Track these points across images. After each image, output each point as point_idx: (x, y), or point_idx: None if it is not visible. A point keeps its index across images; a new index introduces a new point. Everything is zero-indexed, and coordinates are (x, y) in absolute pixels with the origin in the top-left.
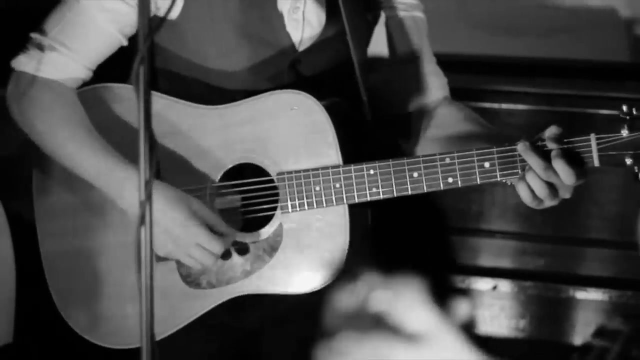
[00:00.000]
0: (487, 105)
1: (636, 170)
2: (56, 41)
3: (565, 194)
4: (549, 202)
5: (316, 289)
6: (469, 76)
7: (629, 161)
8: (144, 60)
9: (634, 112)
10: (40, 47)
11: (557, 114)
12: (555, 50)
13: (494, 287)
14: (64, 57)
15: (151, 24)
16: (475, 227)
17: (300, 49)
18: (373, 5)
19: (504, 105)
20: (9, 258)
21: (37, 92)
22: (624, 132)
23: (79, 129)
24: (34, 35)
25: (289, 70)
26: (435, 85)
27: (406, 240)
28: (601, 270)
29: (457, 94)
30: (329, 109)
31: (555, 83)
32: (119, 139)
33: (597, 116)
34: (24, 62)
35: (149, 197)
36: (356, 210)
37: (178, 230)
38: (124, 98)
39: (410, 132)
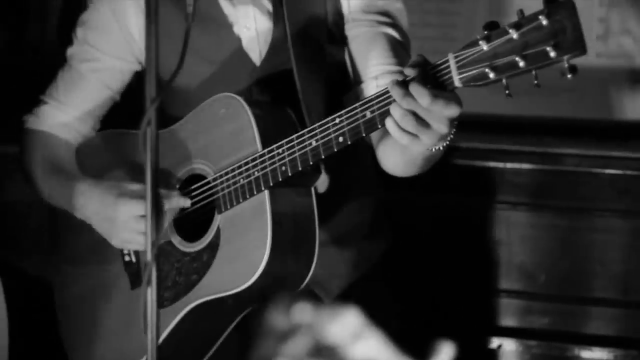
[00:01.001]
0: (493, 164)
1: (504, 83)
2: (50, 97)
3: (440, 127)
4: (424, 137)
5: (260, 272)
6: (474, 135)
7: (491, 75)
8: (151, 122)
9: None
10: (39, 105)
11: (562, 173)
12: (560, 109)
13: (499, 347)
14: (52, 108)
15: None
16: (480, 286)
17: (260, 64)
18: (332, 28)
19: (509, 165)
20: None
21: (29, 142)
22: (484, 46)
23: (48, 170)
24: (40, 96)
25: (254, 89)
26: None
27: (411, 295)
28: (606, 329)
29: (463, 153)
30: (256, 105)
31: (561, 142)
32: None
33: (603, 175)
34: (25, 120)
35: (156, 258)
36: (288, 191)
37: (110, 211)
38: (123, 144)
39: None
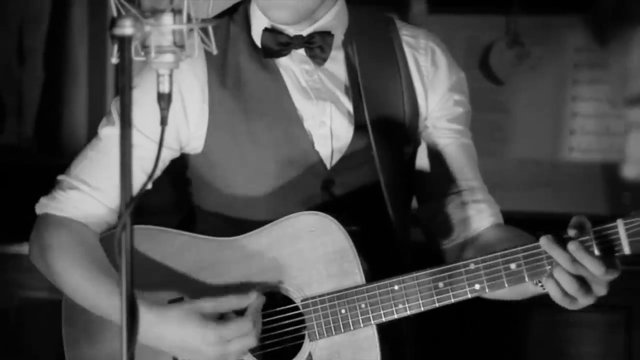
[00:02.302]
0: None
1: None
2: (77, 179)
3: (601, 290)
4: (582, 300)
5: None
6: None
7: None
8: (126, 227)
9: None
10: (62, 187)
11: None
12: (536, 203)
13: None
14: (84, 194)
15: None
16: None
17: (331, 166)
18: (408, 130)
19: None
20: None
21: (54, 231)
22: None
23: (95, 269)
24: (59, 177)
25: (322, 192)
26: (486, 214)
27: None
28: None
29: None
30: (352, 234)
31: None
32: (146, 280)
33: None
34: (44, 204)
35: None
36: (385, 325)
37: (199, 342)
38: (149, 240)
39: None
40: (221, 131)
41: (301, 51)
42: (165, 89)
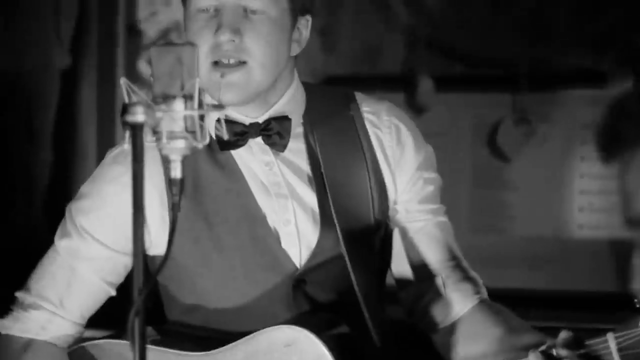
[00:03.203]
0: None
1: None
2: (40, 297)
3: None
4: None
5: None
6: None
7: None
8: (140, 313)
9: None
10: (24, 307)
11: None
12: (544, 281)
13: None
14: (49, 314)
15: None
16: None
17: (301, 264)
18: (377, 218)
19: None
20: None
21: (18, 354)
22: None
23: None
24: (17, 294)
25: (294, 292)
26: (469, 293)
27: None
28: None
29: None
30: (330, 340)
31: (545, 315)
32: None
33: None
34: (6, 325)
35: None
36: None
37: None
38: (113, 355)
39: (439, 351)
40: (183, 238)
41: (259, 139)
42: (177, 174)
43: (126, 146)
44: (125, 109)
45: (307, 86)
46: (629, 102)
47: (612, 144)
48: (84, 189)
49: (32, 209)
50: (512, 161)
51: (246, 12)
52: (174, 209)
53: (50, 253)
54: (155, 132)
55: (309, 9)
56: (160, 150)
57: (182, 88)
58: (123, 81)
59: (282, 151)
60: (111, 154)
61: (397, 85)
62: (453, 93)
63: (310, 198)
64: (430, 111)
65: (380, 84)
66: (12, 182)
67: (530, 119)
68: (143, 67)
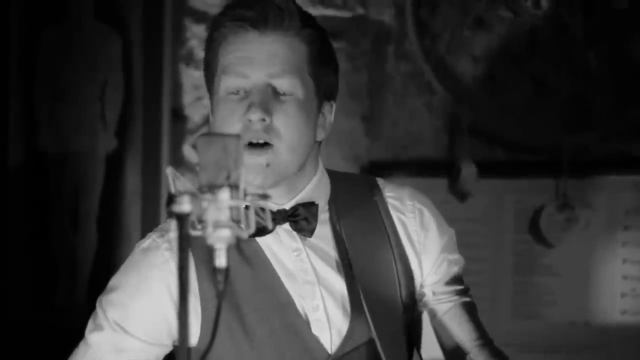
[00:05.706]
0: None
1: None
2: None
3: None
4: None
5: None
6: None
7: None
8: None
9: None
10: None
11: None
12: None
13: None
14: None
15: None
16: None
17: (332, 350)
18: (405, 300)
19: None
20: None
21: None
22: None
23: None
24: None
25: None
26: None
27: None
28: None
29: None
30: None
31: None
32: None
33: None
34: None
35: None
36: None
37: None
38: None
39: None
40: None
41: (286, 226)
42: (222, 263)
43: (172, 234)
44: (171, 199)
45: (329, 172)
46: None
47: None
48: (115, 281)
49: (76, 291)
50: (555, 247)
51: (276, 93)
52: (219, 296)
53: (82, 346)
54: (201, 221)
55: (333, 95)
56: (206, 239)
57: (228, 178)
58: (169, 170)
59: (310, 236)
60: (141, 246)
61: (440, 171)
62: (495, 179)
63: (338, 284)
64: (472, 197)
65: (423, 169)
66: (54, 264)
67: (572, 204)
68: (188, 151)
